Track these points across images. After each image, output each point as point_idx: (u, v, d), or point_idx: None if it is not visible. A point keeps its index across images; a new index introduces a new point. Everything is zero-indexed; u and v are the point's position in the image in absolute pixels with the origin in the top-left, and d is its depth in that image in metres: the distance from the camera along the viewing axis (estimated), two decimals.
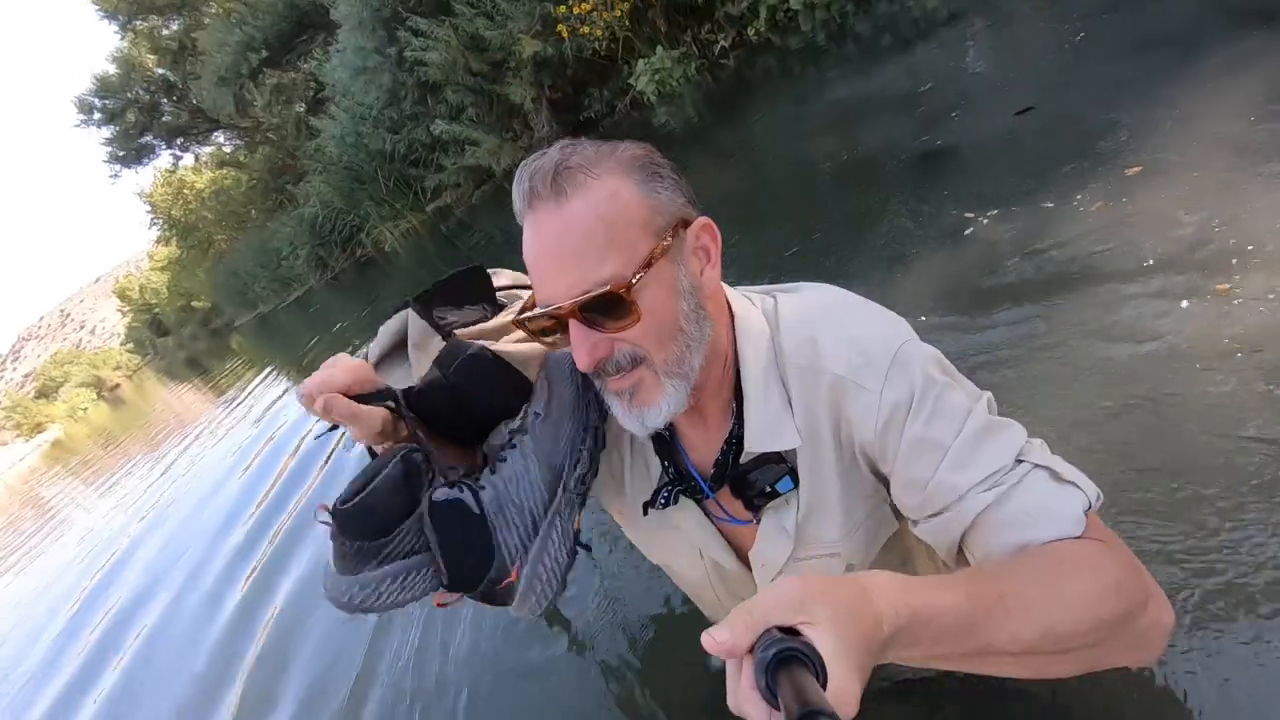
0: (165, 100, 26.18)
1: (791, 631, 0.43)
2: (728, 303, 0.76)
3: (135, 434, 14.28)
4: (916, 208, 2.50)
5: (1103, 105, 2.36)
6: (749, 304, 0.78)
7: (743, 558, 0.84)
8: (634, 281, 0.64)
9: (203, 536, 4.04)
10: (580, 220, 0.64)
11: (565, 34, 8.29)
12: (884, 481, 0.73)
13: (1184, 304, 1.43)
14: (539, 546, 0.74)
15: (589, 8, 7.95)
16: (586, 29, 8.14)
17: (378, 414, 0.75)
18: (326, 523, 0.70)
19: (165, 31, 23.58)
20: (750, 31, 7.80)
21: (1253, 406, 1.16)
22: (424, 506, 0.71)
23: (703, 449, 0.80)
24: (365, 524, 0.70)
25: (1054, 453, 0.65)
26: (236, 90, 14.59)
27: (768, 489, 0.75)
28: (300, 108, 15.47)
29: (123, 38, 24.41)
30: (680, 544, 0.89)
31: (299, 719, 1.95)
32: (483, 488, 0.73)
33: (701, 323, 0.71)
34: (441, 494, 0.71)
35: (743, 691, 0.42)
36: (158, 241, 40.51)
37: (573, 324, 0.66)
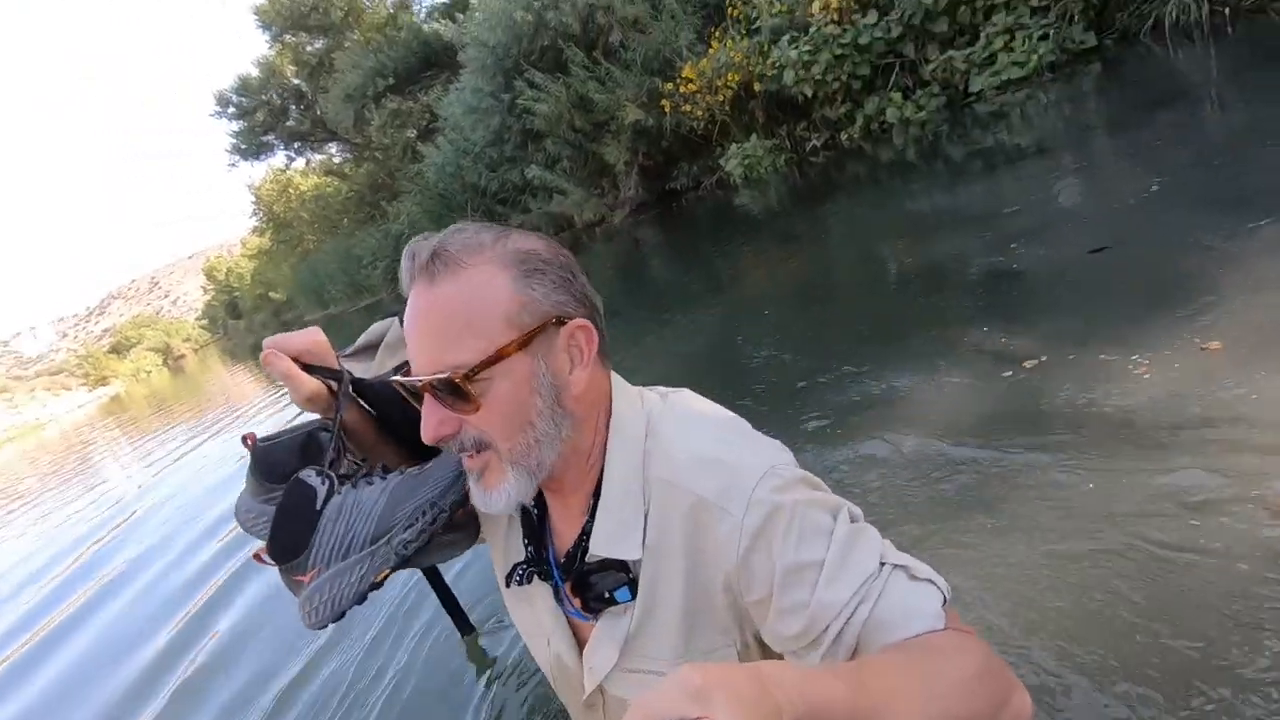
0: (294, 107, 28.38)
1: None
2: (609, 402, 0.77)
3: (186, 404, 14.88)
4: (970, 325, 2.51)
5: (1174, 258, 2.35)
6: (635, 406, 0.77)
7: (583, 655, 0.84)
8: (475, 372, 0.66)
9: (210, 514, 4.21)
10: (443, 304, 0.67)
11: (668, 109, 8.75)
12: (740, 617, 0.71)
13: (1226, 507, 1.31)
14: (335, 571, 0.77)
15: (695, 89, 8.40)
16: (689, 107, 8.58)
17: (310, 384, 0.83)
18: (249, 449, 0.81)
19: (309, 48, 25.73)
20: (844, 136, 8.09)
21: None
22: (299, 457, 0.80)
23: (564, 537, 0.81)
24: (263, 465, 0.80)
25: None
26: (359, 108, 15.77)
27: (606, 595, 0.75)
28: (411, 134, 16.58)
29: (271, 47, 26.75)
30: (533, 624, 0.89)
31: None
32: (340, 493, 0.78)
33: (559, 421, 0.71)
34: (307, 474, 0.78)
35: None
36: (254, 231, 43.21)
37: (426, 399, 0.70)
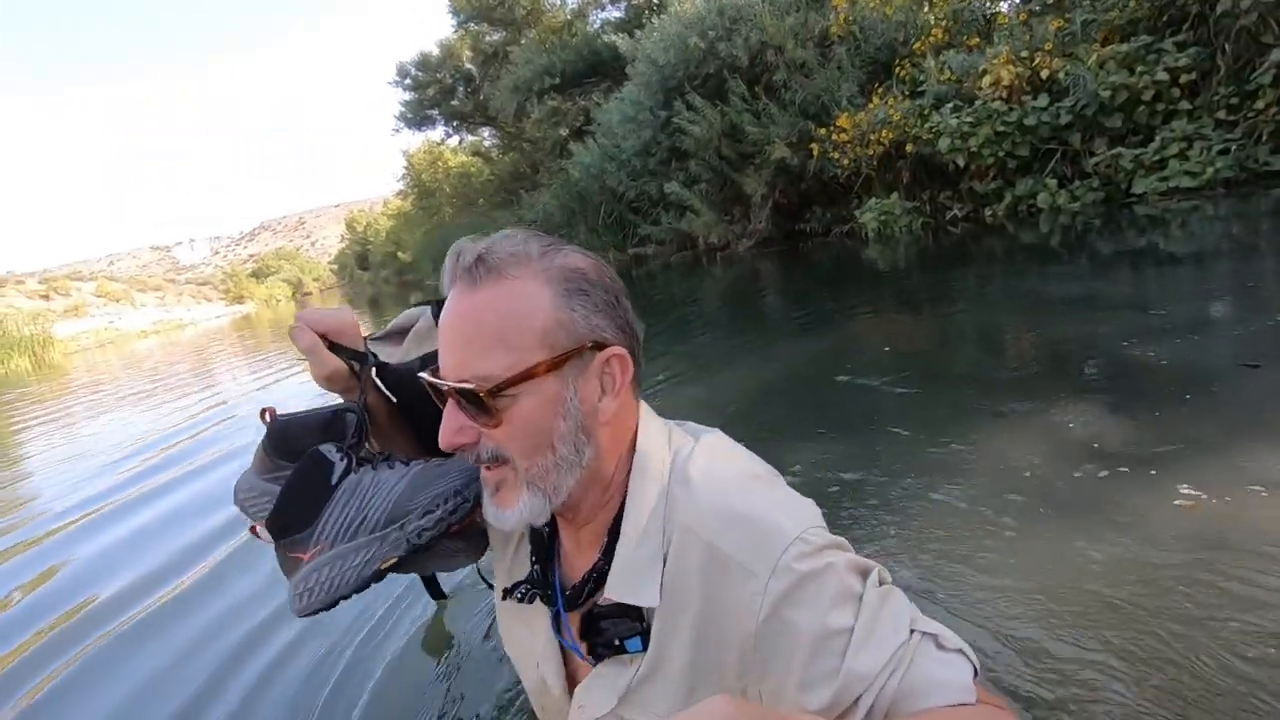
0: (461, 88, 30.48)
1: None
2: (635, 435, 0.74)
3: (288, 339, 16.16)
4: (1090, 417, 2.38)
5: None
6: (662, 443, 0.75)
7: (571, 685, 0.81)
8: (501, 388, 0.65)
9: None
10: (479, 311, 0.66)
11: (816, 153, 8.94)
12: (747, 678, 0.67)
13: None
14: (338, 552, 0.74)
15: (846, 139, 8.56)
16: (836, 155, 8.74)
17: (332, 362, 0.84)
18: (265, 423, 0.81)
19: (488, 38, 27.67)
20: (988, 211, 8.01)
21: None
22: (321, 435, 0.78)
23: (573, 566, 0.79)
24: (279, 439, 0.79)
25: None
26: (523, 100, 16.85)
27: (616, 642, 0.72)
28: (564, 132, 17.57)
29: (455, 31, 28.93)
30: (524, 644, 0.87)
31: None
32: (357, 471, 0.76)
33: (581, 448, 0.69)
34: (326, 447, 0.76)
35: None
36: (398, 194, 46.53)
37: (449, 403, 0.69)
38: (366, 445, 0.81)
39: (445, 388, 0.68)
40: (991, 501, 1.93)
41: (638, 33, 11.53)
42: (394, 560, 0.74)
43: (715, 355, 4.90)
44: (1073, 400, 2.55)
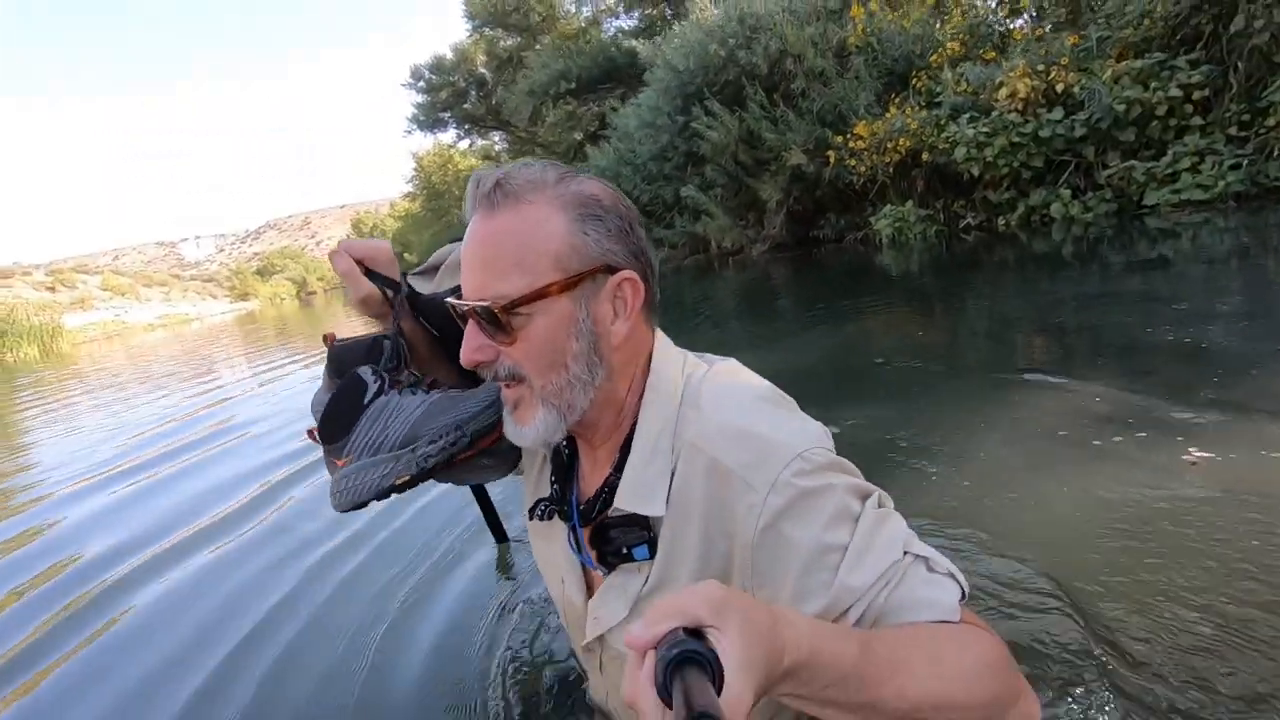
0: (474, 92, 30.79)
1: (696, 635, 0.44)
2: (649, 359, 0.77)
3: (305, 331, 16.16)
4: (1112, 389, 2.46)
5: None
6: (676, 367, 0.77)
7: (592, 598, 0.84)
8: (514, 305, 0.69)
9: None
10: (498, 235, 0.69)
11: (832, 159, 9.12)
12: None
13: None
14: (362, 465, 0.82)
15: (863, 146, 8.73)
16: (853, 162, 8.91)
17: (366, 286, 0.90)
18: (326, 347, 0.92)
19: (503, 43, 28.00)
20: (1001, 220, 8.17)
21: None
22: (365, 357, 0.89)
23: (589, 483, 0.82)
24: (334, 362, 0.90)
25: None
26: (539, 104, 17.07)
27: (624, 550, 0.75)
28: (579, 136, 17.77)
29: (469, 35, 29.26)
30: (549, 560, 0.92)
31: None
32: (385, 394, 0.85)
33: (594, 367, 0.72)
34: (363, 369, 0.86)
35: (640, 685, 0.43)
36: (406, 196, 46.86)
37: (469, 323, 0.73)
38: (407, 372, 0.88)
39: (464, 308, 0.72)
40: (1025, 457, 2.10)
41: (657, 39, 11.71)
42: (406, 478, 0.81)
43: (721, 344, 4.99)
44: (1097, 375, 2.69)
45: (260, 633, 1.85)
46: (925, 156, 8.32)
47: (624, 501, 0.74)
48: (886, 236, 8.69)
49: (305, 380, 6.86)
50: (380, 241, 0.93)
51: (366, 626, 1.77)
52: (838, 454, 0.70)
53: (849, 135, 8.92)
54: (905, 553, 0.63)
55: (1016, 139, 7.56)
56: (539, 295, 0.69)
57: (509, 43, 27.90)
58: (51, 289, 46.39)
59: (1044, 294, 4.90)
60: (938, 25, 9.65)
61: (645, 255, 0.75)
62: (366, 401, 0.83)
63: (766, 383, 0.78)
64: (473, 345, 0.72)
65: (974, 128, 7.69)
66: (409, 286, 0.91)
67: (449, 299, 0.75)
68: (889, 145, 8.48)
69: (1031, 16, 8.32)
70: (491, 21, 27.27)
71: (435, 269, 1.00)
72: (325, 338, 0.93)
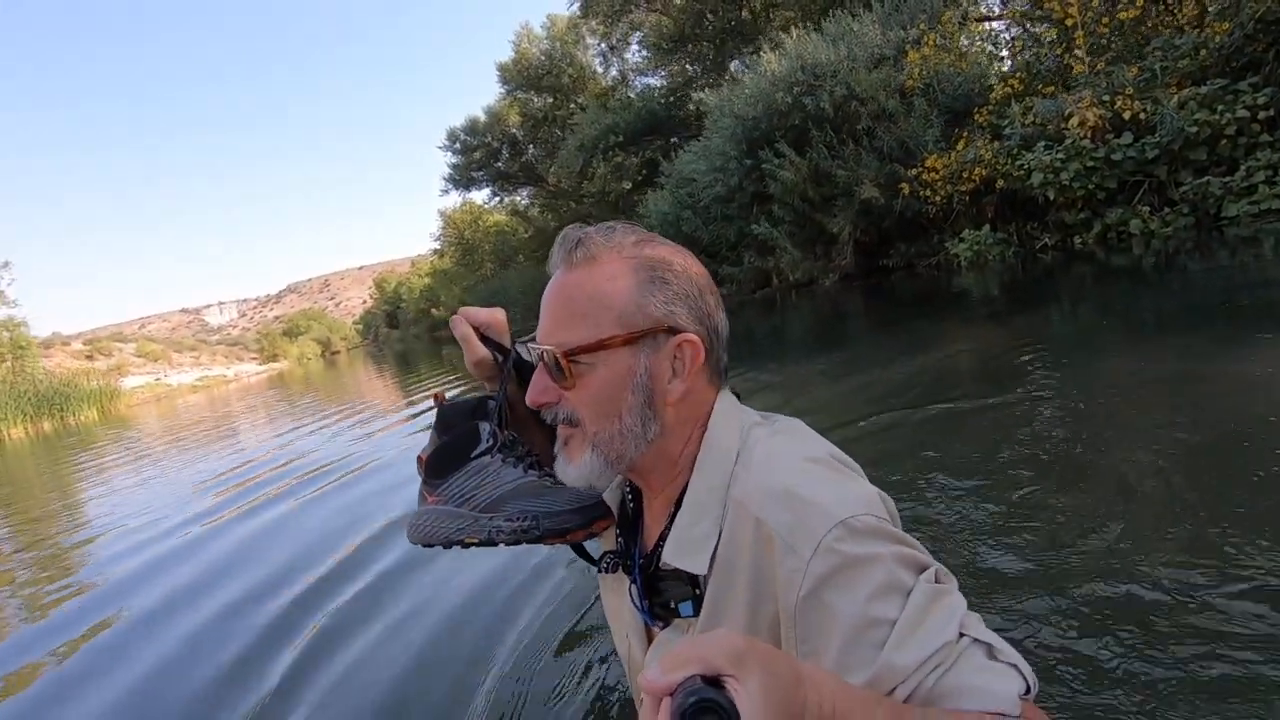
0: (506, 152, 32.21)
1: (714, 683, 0.43)
2: (707, 418, 0.79)
3: (331, 390, 16.14)
4: (1193, 477, 2.03)
5: None
6: (733, 426, 0.79)
7: None
8: (575, 353, 0.73)
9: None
10: (571, 288, 0.75)
11: (906, 191, 9.71)
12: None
13: None
14: (445, 511, 0.87)
15: (937, 177, 9.33)
16: (927, 193, 9.49)
17: (481, 351, 0.94)
18: (436, 405, 0.98)
19: (534, 103, 29.44)
20: (1076, 240, 8.67)
21: None
22: (469, 417, 0.94)
23: (650, 536, 0.84)
24: (442, 418, 0.95)
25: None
26: (588, 157, 18.00)
27: (672, 605, 0.77)
28: (627, 185, 18.66)
29: (503, 98, 30.77)
30: (618, 615, 0.93)
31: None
32: (494, 455, 0.89)
33: (647, 422, 0.75)
34: (484, 427, 0.91)
35: None
36: (434, 253, 48.24)
37: (539, 366, 0.77)
38: (505, 432, 0.93)
39: (533, 350, 0.77)
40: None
41: (723, 89, 12.53)
42: (475, 540, 0.84)
43: (782, 376, 5.17)
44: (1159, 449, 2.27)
45: (318, 660, 2.01)
46: (1000, 184, 8.88)
47: (669, 556, 0.75)
48: (966, 260, 9.18)
49: (384, 428, 7.06)
50: (495, 310, 0.98)
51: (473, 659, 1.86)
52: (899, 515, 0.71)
53: (920, 168, 9.52)
54: (962, 635, 0.59)
55: (1090, 163, 8.12)
56: (600, 346, 0.73)
57: (541, 103, 29.35)
58: (90, 357, 47.62)
59: (1125, 321, 4.73)
60: (992, 66, 10.38)
61: (711, 320, 0.77)
62: (473, 455, 0.88)
63: (827, 444, 0.78)
64: (538, 387, 0.77)
65: (1050, 155, 8.26)
66: (517, 353, 0.95)
67: (521, 339, 0.82)
68: (965, 175, 9.06)
69: (1088, 54, 8.99)
70: (525, 85, 28.77)
71: None
72: (435, 396, 1.01)
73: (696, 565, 0.73)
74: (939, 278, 9.79)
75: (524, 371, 0.96)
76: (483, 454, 0.88)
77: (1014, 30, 12.16)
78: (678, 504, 0.77)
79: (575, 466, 0.77)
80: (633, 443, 0.75)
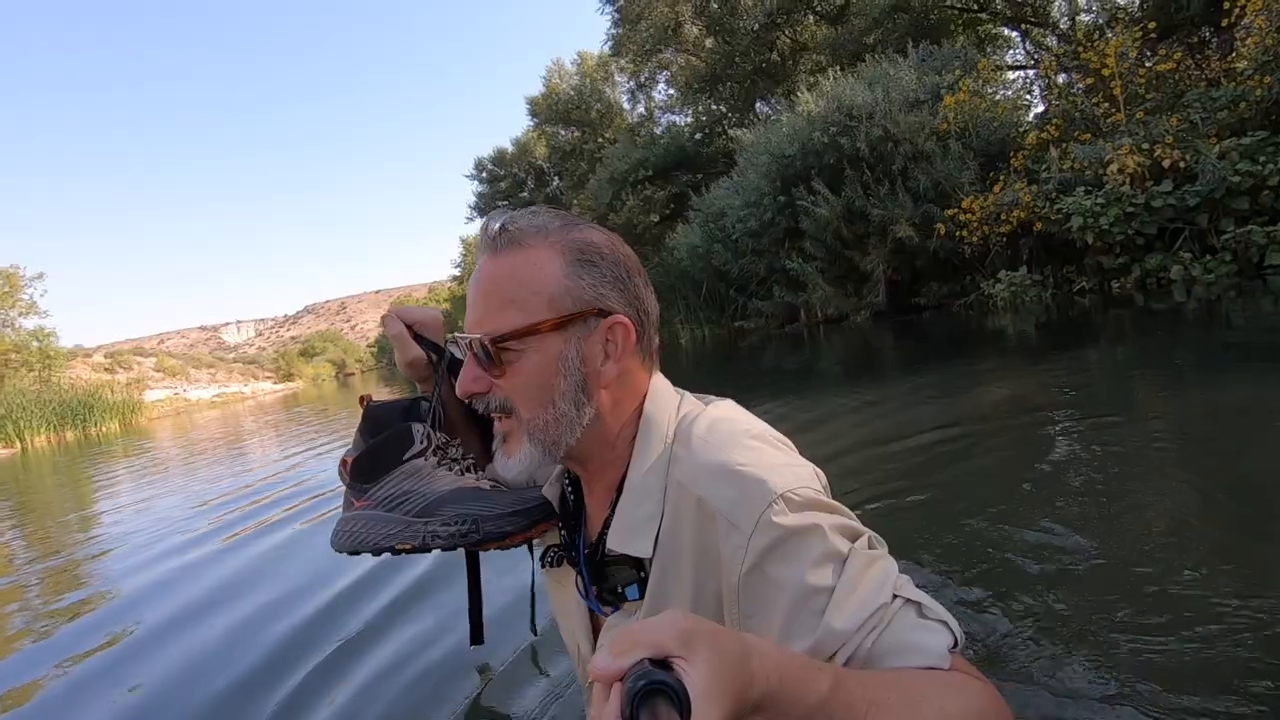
0: (532, 182, 32.87)
1: (663, 665, 0.43)
2: (643, 400, 0.79)
3: (339, 409, 16.28)
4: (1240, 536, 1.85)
5: None
6: (669, 408, 0.79)
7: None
8: (505, 339, 0.72)
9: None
10: (498, 275, 0.74)
11: (942, 231, 9.81)
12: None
13: None
14: (376, 515, 0.83)
15: (974, 219, 9.43)
16: (964, 233, 9.59)
17: (415, 350, 0.94)
18: (362, 407, 0.95)
19: (562, 136, 30.10)
20: (1115, 284, 8.70)
21: None
22: (401, 418, 0.91)
23: (593, 524, 0.83)
24: (370, 420, 0.93)
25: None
26: (618, 190, 18.34)
27: (619, 589, 0.77)
28: (655, 218, 18.97)
29: (531, 130, 31.50)
30: (564, 610, 0.92)
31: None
32: (425, 459, 0.86)
33: (581, 406, 0.75)
34: (416, 428, 0.87)
35: (606, 718, 0.42)
36: (455, 279, 48.88)
37: (467, 357, 0.76)
38: (454, 445, 0.90)
39: (462, 340, 0.76)
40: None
41: (759, 127, 12.79)
42: (408, 546, 0.81)
43: (808, 409, 5.04)
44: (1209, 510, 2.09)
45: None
46: (1037, 226, 8.96)
47: (613, 542, 0.75)
48: (1004, 300, 9.22)
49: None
50: (433, 309, 0.98)
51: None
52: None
53: (957, 209, 9.63)
54: (895, 597, 0.62)
55: (1130, 208, 8.19)
56: (529, 331, 0.73)
57: (568, 136, 30.02)
58: (110, 370, 48.25)
59: (1149, 370, 4.48)
60: (1026, 113, 10.56)
61: (641, 302, 0.78)
62: (406, 457, 0.85)
63: (761, 423, 0.79)
64: (469, 377, 0.76)
65: (1090, 199, 8.35)
66: (451, 353, 0.94)
67: (450, 334, 0.81)
68: (1002, 217, 9.16)
69: (1125, 103, 9.14)
70: (553, 118, 29.45)
71: None
72: (361, 399, 0.97)
73: (641, 549, 0.73)
74: (972, 317, 9.82)
75: (458, 372, 0.96)
76: (415, 456, 0.85)
77: (1043, 80, 12.42)
78: (619, 490, 0.77)
79: (515, 459, 0.77)
80: (568, 428, 0.75)
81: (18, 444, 19.81)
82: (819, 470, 0.74)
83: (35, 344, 30.29)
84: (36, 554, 4.52)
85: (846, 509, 0.69)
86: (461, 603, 1.99)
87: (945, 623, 0.62)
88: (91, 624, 2.81)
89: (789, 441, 0.78)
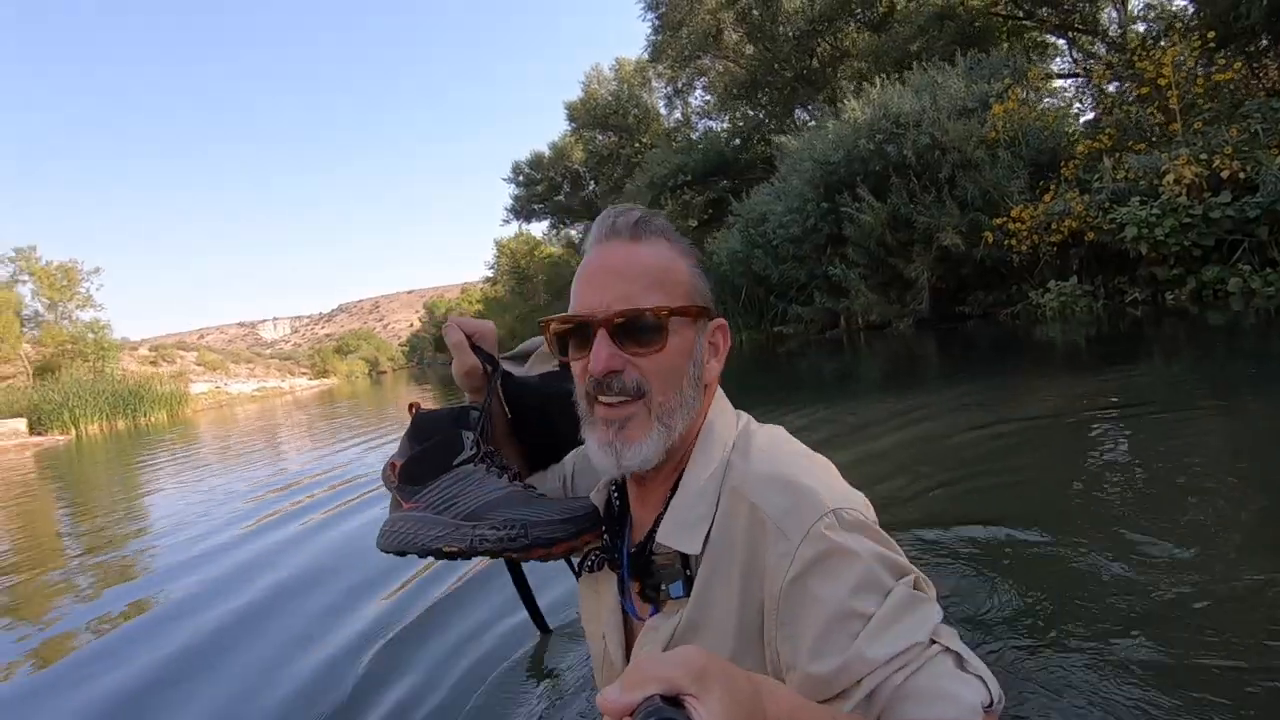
0: (568, 186, 33.23)
1: (674, 702, 0.43)
2: (709, 407, 0.81)
3: (377, 406, 16.63)
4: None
5: None
6: (729, 418, 0.82)
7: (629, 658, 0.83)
8: (671, 315, 0.74)
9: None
10: (645, 259, 0.76)
11: (989, 239, 9.77)
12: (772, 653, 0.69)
13: None
14: (424, 518, 0.84)
15: (1024, 228, 9.38)
16: (1013, 242, 9.54)
17: (471, 359, 0.95)
18: (411, 415, 0.95)
19: (599, 140, 30.40)
20: (1169, 296, 8.59)
21: None
22: (449, 426, 0.92)
23: (640, 527, 0.84)
24: (418, 427, 0.94)
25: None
26: (657, 194, 18.50)
27: (662, 586, 0.77)
28: (693, 223, 19.11)
29: (568, 135, 31.86)
30: (593, 612, 0.91)
31: None
32: (475, 464, 0.87)
33: (696, 394, 0.78)
34: (466, 435, 0.89)
35: None
36: (486, 281, 49.51)
37: (600, 336, 0.74)
38: (485, 444, 0.91)
39: (601, 318, 0.74)
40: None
41: (804, 134, 12.85)
42: (455, 549, 0.81)
43: (848, 415, 4.96)
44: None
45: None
46: (1089, 236, 8.89)
47: (664, 537, 0.76)
48: (1053, 310, 9.16)
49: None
50: (487, 322, 1.00)
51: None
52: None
53: (1006, 218, 9.59)
54: (934, 642, 0.62)
55: (1187, 219, 8.10)
56: (682, 312, 0.76)
57: (605, 140, 30.32)
58: (154, 363, 49.76)
59: (1200, 386, 4.34)
60: (1076, 122, 10.47)
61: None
62: (456, 463, 0.87)
63: (797, 443, 0.82)
64: (605, 354, 0.74)
65: (1145, 209, 8.27)
66: (503, 366, 0.97)
67: (571, 313, 0.78)
68: (1054, 225, 9.10)
69: (1182, 113, 9.04)
70: (591, 123, 29.78)
71: (526, 356, 1.07)
72: (410, 406, 0.97)
73: (691, 545, 0.74)
74: (1018, 326, 9.73)
75: (509, 387, 0.98)
76: (465, 462, 0.87)
77: (1094, 88, 12.28)
78: (674, 489, 0.78)
79: (638, 446, 0.75)
80: (685, 414, 0.76)
81: (72, 431, 20.59)
82: (866, 499, 0.75)
83: (90, 335, 31.44)
84: (90, 546, 4.75)
85: (895, 543, 0.69)
86: (468, 604, 2.11)
87: (983, 679, 0.60)
88: (185, 602, 2.87)
89: (834, 467, 0.80)
